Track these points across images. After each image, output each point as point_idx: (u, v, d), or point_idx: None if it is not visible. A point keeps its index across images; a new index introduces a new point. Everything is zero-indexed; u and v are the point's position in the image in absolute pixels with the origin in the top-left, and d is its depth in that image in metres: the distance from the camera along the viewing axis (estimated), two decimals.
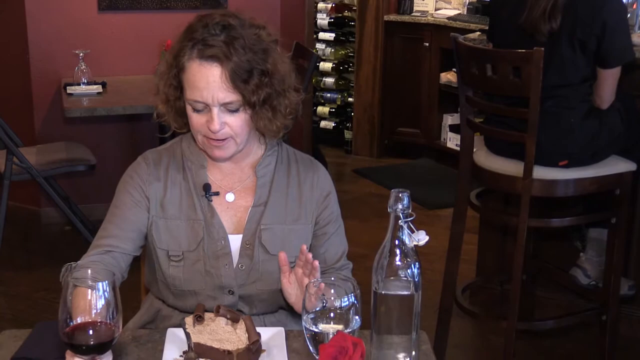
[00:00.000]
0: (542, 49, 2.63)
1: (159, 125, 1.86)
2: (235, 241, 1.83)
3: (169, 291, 1.86)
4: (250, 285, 1.83)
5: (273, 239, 1.83)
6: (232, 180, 1.87)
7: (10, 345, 1.62)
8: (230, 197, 1.86)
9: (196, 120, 1.76)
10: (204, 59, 1.71)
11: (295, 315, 1.87)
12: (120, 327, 1.37)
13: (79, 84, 4.18)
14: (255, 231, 1.83)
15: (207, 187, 1.83)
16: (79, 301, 1.37)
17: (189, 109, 1.77)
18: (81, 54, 4.23)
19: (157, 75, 1.83)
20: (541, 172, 2.82)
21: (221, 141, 1.77)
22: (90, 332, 1.34)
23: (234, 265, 1.82)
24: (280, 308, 1.88)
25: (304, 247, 1.70)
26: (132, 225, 1.83)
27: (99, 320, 1.35)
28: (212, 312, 1.65)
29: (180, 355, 1.59)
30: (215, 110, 1.72)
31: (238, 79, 1.70)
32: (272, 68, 1.76)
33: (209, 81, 1.70)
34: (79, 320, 1.35)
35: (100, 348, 1.37)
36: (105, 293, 1.35)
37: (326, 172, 1.95)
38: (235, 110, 1.74)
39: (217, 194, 1.84)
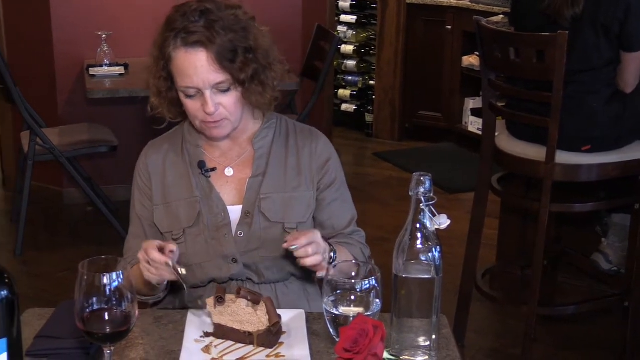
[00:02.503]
0: (566, 32, 2.61)
1: (152, 117, 1.90)
2: (235, 212, 1.87)
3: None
4: (252, 253, 1.85)
5: (273, 207, 1.86)
6: (231, 157, 1.92)
7: (35, 324, 1.64)
8: (229, 171, 1.91)
9: (191, 106, 1.81)
10: (188, 46, 1.76)
11: (307, 283, 1.91)
12: (136, 314, 1.38)
13: (101, 66, 4.20)
14: (255, 201, 1.86)
15: (201, 164, 1.89)
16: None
17: (182, 96, 1.82)
18: (104, 36, 4.25)
19: (145, 70, 1.88)
20: (564, 157, 2.80)
21: (218, 122, 1.82)
22: (106, 319, 1.35)
23: (233, 234, 1.86)
24: (291, 275, 1.90)
25: (284, 245, 1.70)
26: (150, 228, 1.91)
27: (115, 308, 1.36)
28: (234, 293, 1.66)
29: (201, 336, 1.60)
30: (207, 93, 1.78)
31: (224, 60, 1.75)
32: (254, 44, 1.81)
33: (197, 66, 1.76)
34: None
35: (116, 336, 1.38)
36: (119, 280, 1.35)
37: (326, 141, 1.97)
38: (227, 90, 1.79)
39: (214, 169, 1.89)
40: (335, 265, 1.55)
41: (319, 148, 1.93)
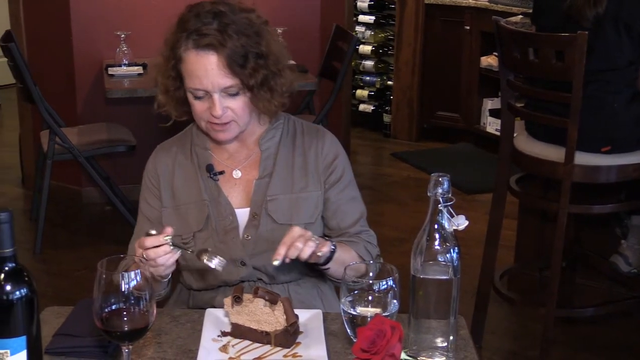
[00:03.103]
0: (586, 32, 2.59)
1: (158, 115, 1.91)
2: (242, 215, 1.87)
3: (191, 276, 1.91)
4: (261, 256, 1.85)
5: (280, 209, 1.86)
6: (239, 159, 1.92)
7: (53, 322, 1.65)
8: (237, 173, 1.90)
9: (199, 107, 1.80)
10: (200, 49, 1.75)
11: (320, 282, 1.90)
12: (154, 313, 1.38)
13: (120, 65, 4.22)
14: (262, 202, 1.86)
15: (209, 168, 1.89)
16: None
17: (190, 97, 1.81)
18: (122, 36, 4.26)
19: (155, 69, 1.88)
20: (583, 158, 2.78)
21: (224, 125, 1.81)
22: (125, 318, 1.36)
23: (240, 237, 1.85)
24: (303, 275, 1.89)
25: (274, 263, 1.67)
26: (156, 223, 1.89)
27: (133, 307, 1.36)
28: (251, 293, 1.66)
29: (218, 336, 1.61)
30: (216, 96, 1.77)
31: (235, 64, 1.75)
32: (266, 50, 1.80)
33: (207, 69, 1.75)
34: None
35: (135, 334, 1.38)
36: (138, 279, 1.35)
37: (333, 139, 1.95)
38: (236, 94, 1.78)
39: (222, 173, 1.89)
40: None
41: (325, 147, 1.92)
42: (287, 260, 1.67)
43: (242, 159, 1.91)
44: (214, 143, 1.92)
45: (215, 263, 1.61)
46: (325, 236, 1.90)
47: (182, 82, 1.82)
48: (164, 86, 1.86)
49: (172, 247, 1.62)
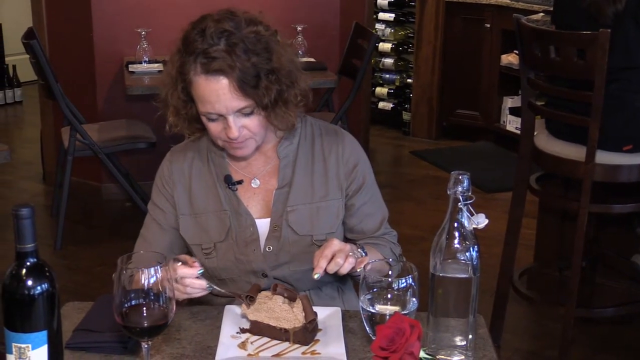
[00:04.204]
0: (608, 30, 2.57)
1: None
2: (263, 225, 1.84)
3: (212, 280, 1.89)
4: (282, 267, 1.83)
5: (301, 220, 1.83)
6: (257, 167, 1.88)
7: (74, 317, 1.66)
8: (255, 182, 1.86)
9: (214, 128, 1.76)
10: (209, 74, 1.68)
11: (341, 283, 1.89)
12: (174, 310, 1.38)
13: (140, 63, 4.24)
14: (282, 213, 1.83)
15: (228, 179, 1.85)
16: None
17: (204, 119, 1.76)
18: (143, 33, 4.28)
19: (162, 88, 1.81)
20: (604, 157, 2.76)
21: (241, 142, 1.77)
22: (145, 314, 1.37)
23: (262, 249, 1.83)
24: (326, 283, 1.88)
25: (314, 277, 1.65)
26: (164, 236, 1.88)
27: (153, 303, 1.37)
28: (270, 290, 1.66)
29: (237, 332, 1.61)
30: (230, 118, 1.72)
31: (247, 86, 1.69)
32: (277, 65, 1.74)
33: (219, 94, 1.69)
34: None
35: (154, 330, 1.39)
36: (157, 275, 1.36)
37: (353, 141, 1.91)
38: (250, 113, 1.74)
39: (240, 182, 1.85)
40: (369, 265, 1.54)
41: (346, 153, 1.87)
42: (316, 278, 1.65)
43: (260, 166, 1.87)
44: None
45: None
46: (347, 240, 1.88)
47: (193, 102, 1.77)
48: (174, 108, 1.80)
49: (207, 285, 1.63)
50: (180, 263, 1.62)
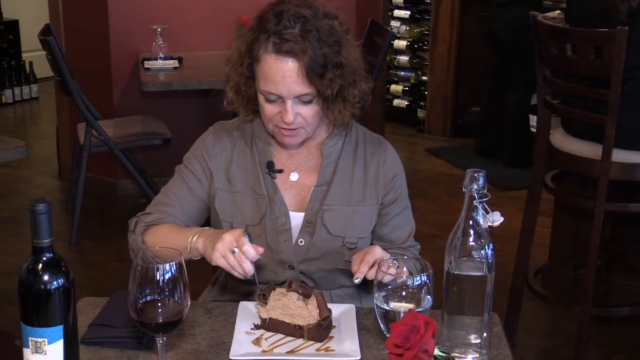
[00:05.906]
0: (626, 28, 2.55)
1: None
2: (296, 219, 1.84)
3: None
4: (310, 262, 1.83)
5: (335, 220, 1.83)
6: (298, 160, 1.88)
7: (89, 312, 1.67)
8: (294, 176, 1.87)
9: (269, 110, 1.76)
10: (280, 54, 1.69)
11: (362, 292, 1.88)
12: (189, 304, 1.39)
13: (156, 59, 4.25)
14: (318, 211, 1.83)
15: (270, 165, 1.85)
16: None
17: (261, 98, 1.77)
18: (159, 29, 4.30)
19: (227, 63, 1.82)
20: (620, 155, 2.75)
21: (293, 130, 1.78)
22: (159, 310, 1.37)
23: (293, 241, 1.83)
24: (342, 286, 1.88)
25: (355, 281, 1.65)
26: (190, 200, 1.87)
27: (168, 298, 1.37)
28: (284, 287, 1.66)
29: (252, 328, 1.61)
30: (289, 102, 1.73)
31: (313, 74, 1.70)
32: (344, 60, 1.75)
33: (285, 76, 1.70)
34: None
35: (169, 326, 1.39)
36: (172, 271, 1.36)
37: (394, 153, 1.93)
38: (309, 102, 1.75)
39: (280, 171, 1.86)
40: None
41: (387, 163, 1.89)
42: (355, 282, 1.64)
43: (302, 161, 1.88)
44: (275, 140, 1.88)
45: None
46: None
47: (254, 82, 1.78)
48: (235, 84, 1.81)
49: (252, 274, 1.62)
50: (248, 239, 1.61)
